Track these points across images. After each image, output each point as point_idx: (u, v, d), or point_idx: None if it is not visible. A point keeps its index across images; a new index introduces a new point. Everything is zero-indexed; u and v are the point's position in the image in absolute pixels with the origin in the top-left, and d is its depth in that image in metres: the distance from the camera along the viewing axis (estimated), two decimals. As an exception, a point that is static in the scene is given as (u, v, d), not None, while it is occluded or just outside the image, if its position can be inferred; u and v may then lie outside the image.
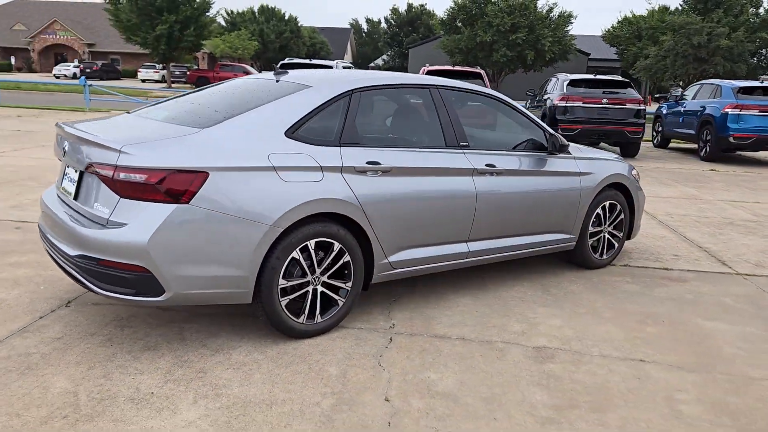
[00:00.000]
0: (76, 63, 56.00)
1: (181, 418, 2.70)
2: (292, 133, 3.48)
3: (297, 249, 3.41)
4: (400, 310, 4.08)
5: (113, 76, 53.72)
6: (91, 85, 21.10)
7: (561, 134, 12.83)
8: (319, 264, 3.53)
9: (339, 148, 3.60)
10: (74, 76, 48.39)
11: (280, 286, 3.38)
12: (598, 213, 5.11)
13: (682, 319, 4.20)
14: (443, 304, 4.23)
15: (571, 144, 5.12)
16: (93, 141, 3.19)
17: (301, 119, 3.53)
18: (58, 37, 63.26)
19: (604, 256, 5.27)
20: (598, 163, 5.07)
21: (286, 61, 14.54)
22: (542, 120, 14.28)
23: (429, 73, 13.67)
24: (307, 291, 3.52)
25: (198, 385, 3.00)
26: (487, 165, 4.24)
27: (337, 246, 3.56)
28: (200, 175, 3.11)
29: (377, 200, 3.67)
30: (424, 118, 4.20)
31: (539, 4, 35.62)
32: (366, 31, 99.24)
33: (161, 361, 3.22)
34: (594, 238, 5.16)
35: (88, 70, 50.02)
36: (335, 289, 3.66)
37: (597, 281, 4.92)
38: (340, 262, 3.61)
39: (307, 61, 14.48)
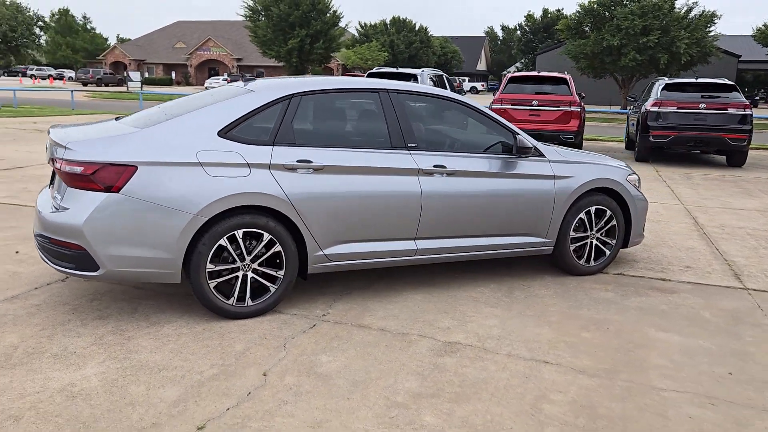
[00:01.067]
0: (225, 76, 60.93)
1: (81, 373, 3.17)
2: (225, 133, 3.87)
3: (224, 237, 3.78)
4: (344, 302, 4.31)
5: (256, 88, 57.71)
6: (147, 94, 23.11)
7: (653, 141, 12.44)
8: (249, 252, 3.88)
9: (271, 147, 3.93)
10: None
11: (207, 270, 3.78)
12: (581, 218, 4.99)
13: (632, 328, 4.05)
14: (391, 299, 4.40)
15: (552, 146, 5.06)
16: (54, 140, 3.79)
17: (234, 121, 3.91)
18: (211, 53, 69.23)
19: (592, 263, 5.12)
20: (579, 167, 4.96)
21: (374, 70, 15.09)
22: (636, 126, 13.61)
23: (511, 79, 13.55)
24: (237, 276, 3.88)
25: (117, 349, 3.47)
26: (435, 166, 4.36)
27: (266, 236, 3.89)
28: (129, 169, 3.59)
29: (308, 196, 3.95)
30: (370, 121, 4.42)
31: (677, 3, 33.41)
32: (501, 39, 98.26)
33: (102, 329, 3.73)
34: (577, 244, 5.04)
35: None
36: (269, 277, 3.98)
37: (573, 287, 4.82)
38: (271, 251, 3.93)
39: (393, 70, 14.94)
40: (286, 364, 3.35)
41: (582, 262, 5.09)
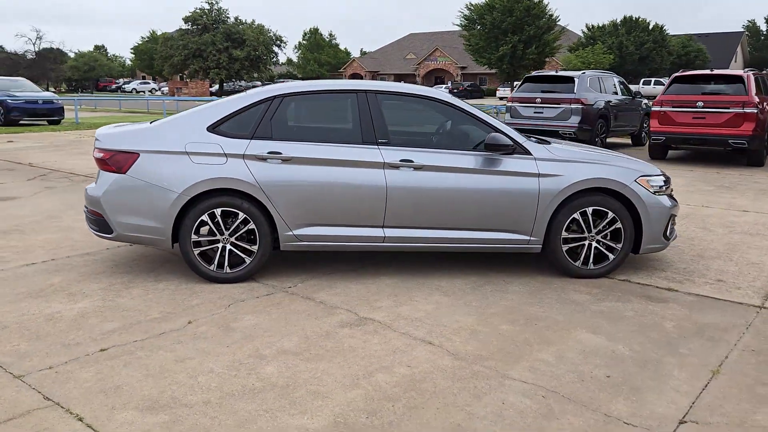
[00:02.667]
0: (448, 84, 63.21)
1: (71, 306, 4.23)
2: (213, 128, 4.71)
3: (206, 214, 4.62)
4: (319, 279, 4.87)
5: (477, 95, 59.00)
6: None
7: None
8: (228, 228, 4.67)
9: (249, 140, 4.67)
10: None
11: (192, 240, 4.65)
12: (576, 218, 4.87)
13: (561, 327, 3.99)
14: (361, 281, 4.85)
15: (556, 144, 5.04)
16: (95, 135, 4.97)
17: (222, 118, 4.72)
18: (438, 62, 72.24)
19: (591, 266, 4.95)
20: (572, 166, 4.85)
21: (533, 74, 14.98)
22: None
23: (676, 79, 12.53)
24: (217, 247, 4.69)
25: (112, 295, 4.49)
26: (402, 160, 4.70)
27: (241, 215, 4.65)
28: (133, 155, 4.61)
29: (276, 182, 4.61)
30: (345, 118, 4.89)
31: None
32: (765, 33, 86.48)
33: (113, 279, 4.81)
34: (571, 245, 4.93)
35: (455, 91, 56.09)
36: (245, 250, 4.73)
37: (552, 287, 4.76)
38: (245, 228, 4.67)
39: (553, 73, 14.66)
40: (214, 318, 4.06)
41: (578, 264, 4.96)
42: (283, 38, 35.97)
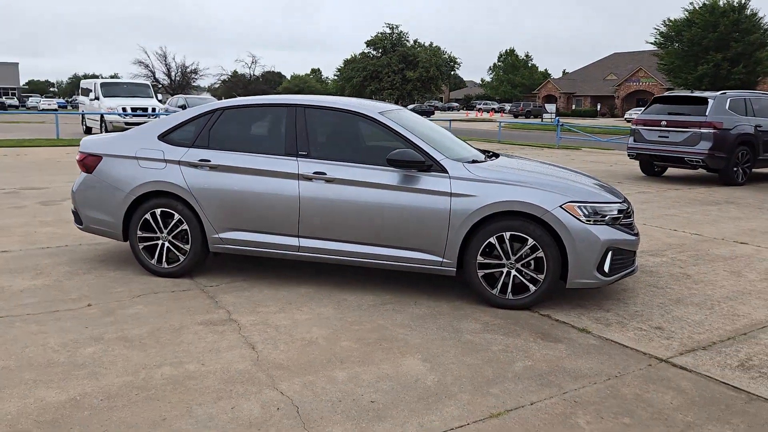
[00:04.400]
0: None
1: (29, 281, 5.04)
2: (163, 136, 5.27)
3: (148, 213, 5.19)
4: (246, 282, 5.17)
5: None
6: (562, 125, 23.61)
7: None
8: (166, 227, 5.19)
9: (188, 148, 5.15)
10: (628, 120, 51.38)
11: (138, 235, 5.25)
12: (491, 243, 4.58)
13: (405, 350, 3.84)
14: (278, 287, 5.04)
15: (492, 161, 4.85)
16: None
17: (171, 128, 5.26)
18: (640, 83, 67.51)
19: (509, 296, 4.61)
20: (490, 187, 4.57)
21: (665, 94, 13.58)
22: None
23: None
24: (157, 244, 5.23)
25: (67, 275, 5.23)
26: (315, 172, 4.83)
27: (177, 216, 5.14)
28: (98, 158, 5.34)
29: (203, 187, 5.03)
30: (275, 131, 5.11)
31: None
32: None
33: (89, 265, 5.57)
34: (487, 270, 4.63)
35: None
36: (180, 249, 5.20)
37: (457, 314, 4.52)
38: (180, 228, 5.15)
39: (686, 93, 13.15)
40: (110, 304, 4.55)
41: (495, 292, 4.64)
42: (457, 60, 36.70)
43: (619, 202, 4.75)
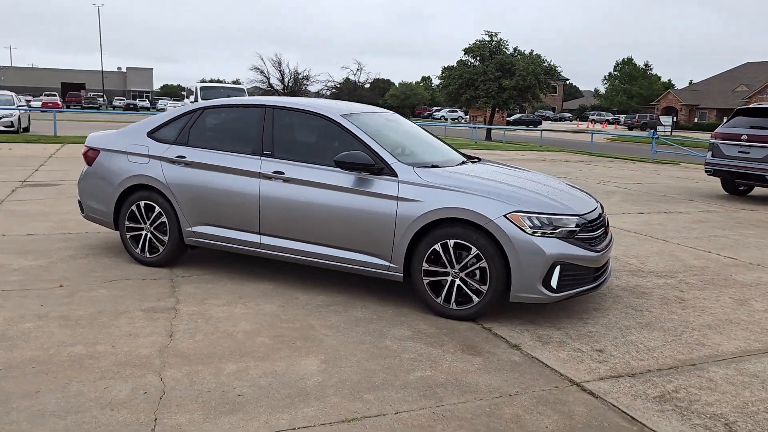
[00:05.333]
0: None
1: (28, 262, 5.52)
2: (151, 133, 5.59)
3: (134, 205, 5.53)
4: (215, 275, 5.36)
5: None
6: (657, 138, 22.32)
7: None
8: (149, 218, 5.50)
9: (170, 145, 5.43)
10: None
11: (126, 225, 5.60)
12: (437, 250, 4.46)
13: (310, 350, 3.85)
14: (241, 282, 5.19)
15: (446, 168, 4.78)
16: None
17: (159, 125, 5.57)
18: (773, 95, 61.95)
19: (453, 306, 4.47)
20: (437, 193, 4.46)
21: (751, 105, 12.41)
22: None
23: None
24: (141, 234, 5.55)
25: (63, 258, 5.68)
26: (275, 171, 4.94)
27: (157, 209, 5.44)
28: (97, 152, 5.76)
29: (178, 182, 5.29)
30: (248, 130, 5.24)
31: None
32: None
33: (89, 251, 6.01)
34: (433, 278, 4.51)
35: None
36: (160, 240, 5.49)
37: (396, 321, 4.45)
38: (159, 221, 5.44)
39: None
40: (78, 287, 4.88)
41: (439, 300, 4.51)
42: (557, 68, 35.24)
43: (577, 215, 4.46)
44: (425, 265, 4.52)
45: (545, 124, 68.62)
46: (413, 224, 4.49)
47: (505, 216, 4.29)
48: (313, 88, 62.69)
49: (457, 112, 72.49)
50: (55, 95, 58.60)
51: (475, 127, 31.99)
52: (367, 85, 60.05)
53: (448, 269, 4.46)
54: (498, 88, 33.79)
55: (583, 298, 5.08)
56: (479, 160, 5.73)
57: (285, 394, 3.26)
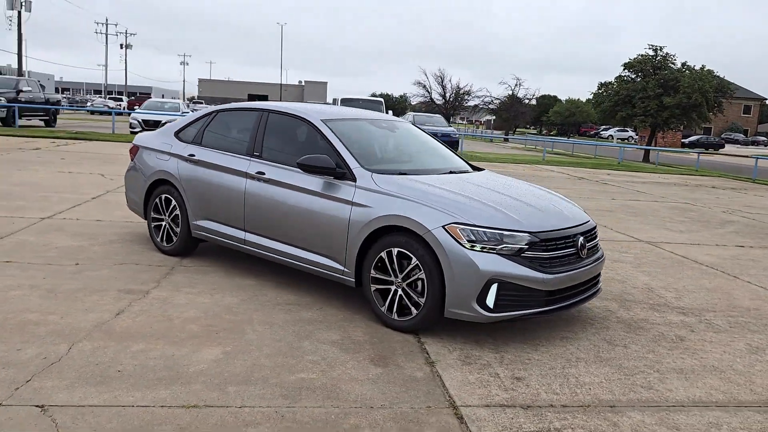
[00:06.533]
0: None
1: (61, 241, 6.30)
2: (177, 133, 6.11)
3: (157, 198, 6.09)
4: (213, 266, 5.72)
5: None
6: None
7: None
8: (167, 210, 6.02)
9: (188, 144, 5.91)
10: None
11: (152, 216, 6.18)
12: (383, 258, 4.40)
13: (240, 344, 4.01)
14: (228, 276, 5.47)
15: (406, 177, 4.73)
16: None
17: (183, 126, 6.08)
18: None
19: (394, 316, 4.37)
20: (387, 199, 4.40)
21: None
22: None
23: None
24: (161, 225, 6.09)
25: (99, 240, 6.39)
26: (257, 172, 5.17)
27: (174, 202, 5.94)
28: (137, 149, 6.42)
29: (188, 178, 5.73)
30: (248, 132, 5.50)
31: None
32: None
33: (134, 236, 6.69)
34: (381, 286, 4.44)
35: None
36: (175, 231, 5.98)
37: (330, 323, 4.46)
38: (174, 213, 5.94)
39: None
40: (90, 265, 5.49)
41: (384, 309, 4.43)
42: (730, 85, 31.82)
43: (528, 233, 4.13)
44: (373, 273, 4.46)
45: (729, 148, 62.17)
46: (363, 230, 4.46)
47: (443, 227, 4.12)
48: (472, 103, 62.74)
49: (627, 131, 68.30)
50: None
51: (627, 147, 29.91)
52: (527, 101, 58.55)
53: (392, 278, 4.37)
54: (658, 106, 31.34)
55: (562, 323, 4.68)
56: (481, 170, 5.52)
57: (160, 376, 3.43)
